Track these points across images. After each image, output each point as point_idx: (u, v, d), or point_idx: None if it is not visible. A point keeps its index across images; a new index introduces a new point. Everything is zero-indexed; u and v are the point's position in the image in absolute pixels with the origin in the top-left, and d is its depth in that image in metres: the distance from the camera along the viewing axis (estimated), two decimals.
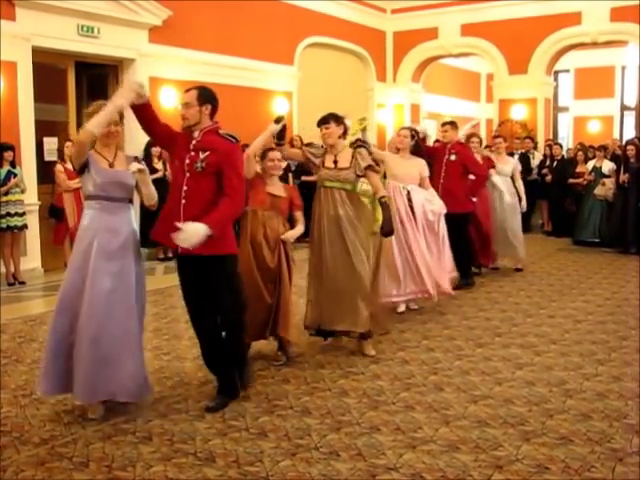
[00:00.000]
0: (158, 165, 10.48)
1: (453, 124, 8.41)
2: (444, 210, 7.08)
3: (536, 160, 13.99)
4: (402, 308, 7.08)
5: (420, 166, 7.04)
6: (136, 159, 4.64)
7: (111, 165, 4.51)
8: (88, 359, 4.24)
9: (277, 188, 5.46)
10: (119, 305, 4.33)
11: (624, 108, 21.51)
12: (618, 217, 11.35)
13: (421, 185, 7.02)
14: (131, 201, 4.62)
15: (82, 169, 4.42)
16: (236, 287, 4.57)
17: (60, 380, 4.37)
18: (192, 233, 4.20)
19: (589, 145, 13.68)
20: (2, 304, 7.65)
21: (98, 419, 4.32)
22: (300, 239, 5.63)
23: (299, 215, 5.50)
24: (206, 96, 4.53)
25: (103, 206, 4.43)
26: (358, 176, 5.60)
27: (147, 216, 10.54)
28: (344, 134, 5.72)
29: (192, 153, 4.45)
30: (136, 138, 10.89)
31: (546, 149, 14.16)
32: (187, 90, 4.66)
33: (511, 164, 9.63)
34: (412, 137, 7.08)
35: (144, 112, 4.53)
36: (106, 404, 4.43)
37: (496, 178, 9.01)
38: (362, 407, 4.54)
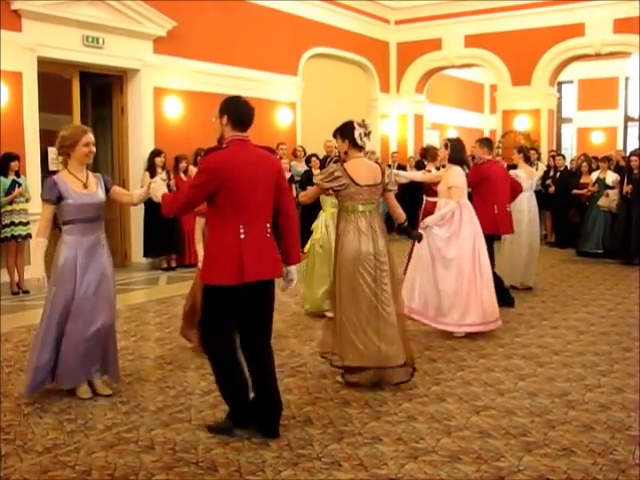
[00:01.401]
0: (162, 175, 10.50)
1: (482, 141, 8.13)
2: None
3: (539, 171, 13.96)
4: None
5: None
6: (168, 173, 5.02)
7: (85, 186, 4.80)
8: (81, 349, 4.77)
9: None
10: (103, 302, 4.83)
11: (628, 119, 21.52)
12: (622, 228, 11.34)
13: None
14: (102, 218, 4.99)
15: (57, 200, 4.71)
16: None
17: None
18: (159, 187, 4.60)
19: (593, 156, 13.68)
20: (6, 313, 7.67)
21: (101, 428, 4.34)
22: None
23: None
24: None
25: (82, 228, 4.75)
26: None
27: (151, 227, 10.71)
28: (352, 144, 5.24)
29: None
30: (138, 148, 11.00)
31: (549, 160, 14.16)
32: None
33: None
34: (446, 147, 6.87)
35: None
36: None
37: None
38: (364, 417, 4.54)
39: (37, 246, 4.73)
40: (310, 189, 5.44)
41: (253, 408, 4.26)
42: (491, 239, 7.49)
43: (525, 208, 9.06)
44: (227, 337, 4.23)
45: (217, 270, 4.09)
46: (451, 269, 6.52)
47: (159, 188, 4.59)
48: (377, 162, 5.86)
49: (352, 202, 5.12)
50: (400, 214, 5.60)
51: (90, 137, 4.79)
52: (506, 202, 8.04)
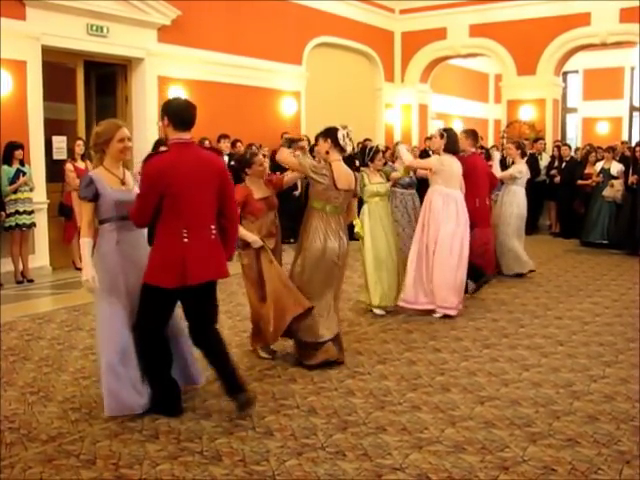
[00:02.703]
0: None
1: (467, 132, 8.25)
2: None
3: (544, 161, 13.94)
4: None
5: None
6: None
7: (122, 182, 4.53)
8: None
9: (263, 189, 5.63)
10: None
11: (633, 109, 21.44)
12: (626, 219, 11.30)
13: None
14: None
15: (95, 198, 4.44)
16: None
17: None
18: None
19: (597, 146, 13.63)
20: (11, 302, 7.69)
21: (106, 417, 4.34)
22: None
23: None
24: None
25: (120, 226, 4.46)
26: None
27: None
28: (334, 145, 5.41)
29: None
30: (142, 137, 10.97)
31: (554, 150, 14.12)
32: None
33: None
34: (441, 136, 7.03)
35: None
36: None
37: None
38: (368, 407, 4.54)
39: (84, 246, 4.41)
40: (294, 161, 5.45)
41: (224, 387, 4.42)
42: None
43: (521, 203, 9.27)
44: (161, 332, 4.44)
45: (161, 272, 4.22)
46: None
47: None
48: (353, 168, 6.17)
49: (324, 202, 5.37)
50: (351, 218, 6.04)
51: (125, 132, 4.51)
52: (486, 195, 8.22)
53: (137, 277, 4.41)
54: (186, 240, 4.17)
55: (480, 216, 7.86)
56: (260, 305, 5.50)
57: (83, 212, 4.51)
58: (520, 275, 9.10)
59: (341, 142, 5.36)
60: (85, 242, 4.41)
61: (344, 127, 5.44)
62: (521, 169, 9.30)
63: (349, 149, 5.52)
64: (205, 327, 4.43)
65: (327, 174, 5.30)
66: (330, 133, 5.42)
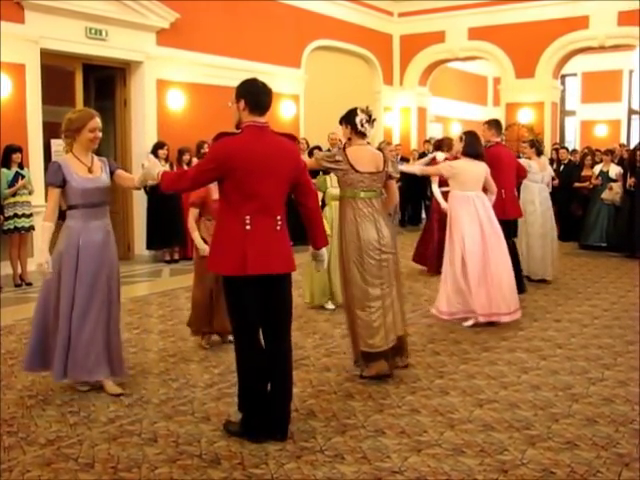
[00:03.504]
0: (165, 167, 10.47)
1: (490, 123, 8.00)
2: None
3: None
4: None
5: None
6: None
7: (90, 170, 4.72)
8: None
9: None
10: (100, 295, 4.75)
11: (631, 112, 21.47)
12: (625, 221, 11.32)
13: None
14: (108, 203, 4.93)
15: (62, 184, 4.64)
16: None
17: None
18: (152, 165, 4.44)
19: (596, 149, 13.64)
20: (9, 305, 7.68)
21: (104, 420, 4.34)
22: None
23: None
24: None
25: (86, 213, 4.66)
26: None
27: (154, 220, 10.70)
28: (354, 131, 5.20)
29: None
30: (141, 140, 10.98)
31: (553, 153, 14.12)
32: None
33: None
34: (460, 140, 6.89)
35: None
36: None
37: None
38: (367, 410, 4.53)
39: (43, 230, 4.62)
40: (310, 161, 5.42)
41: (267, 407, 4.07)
42: (506, 227, 7.34)
43: (537, 200, 9.06)
44: (251, 329, 4.06)
45: (221, 259, 4.00)
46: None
47: (153, 167, 4.39)
48: (379, 149, 5.87)
49: (352, 188, 5.12)
50: (392, 205, 5.67)
51: (97, 122, 4.70)
52: (513, 187, 8.04)
53: (95, 263, 4.66)
54: (248, 228, 3.90)
55: (510, 207, 7.76)
56: (202, 296, 5.85)
57: (49, 197, 4.70)
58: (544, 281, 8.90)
59: (360, 128, 5.14)
60: (45, 226, 4.63)
61: (365, 109, 5.19)
62: (530, 164, 9.09)
63: (371, 132, 5.29)
64: (273, 332, 4.12)
65: (342, 159, 5.10)
66: (349, 119, 5.19)
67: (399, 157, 14.58)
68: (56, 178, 4.63)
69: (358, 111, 5.16)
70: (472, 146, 6.78)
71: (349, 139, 5.25)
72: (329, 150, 11.92)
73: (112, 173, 4.86)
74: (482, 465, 3.72)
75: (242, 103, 4.05)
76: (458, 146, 6.96)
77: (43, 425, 4.30)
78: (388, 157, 5.33)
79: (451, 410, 4.53)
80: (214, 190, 5.33)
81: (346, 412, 4.50)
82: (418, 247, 9.90)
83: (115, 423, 4.30)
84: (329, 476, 3.61)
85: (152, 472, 3.66)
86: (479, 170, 6.78)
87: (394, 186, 5.47)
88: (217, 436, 4.11)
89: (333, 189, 6.93)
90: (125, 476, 3.62)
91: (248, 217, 3.92)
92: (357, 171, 5.08)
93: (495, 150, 7.63)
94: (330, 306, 7.40)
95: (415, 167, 7.73)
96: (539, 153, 9.47)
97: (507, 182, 7.74)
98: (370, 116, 5.20)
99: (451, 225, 6.74)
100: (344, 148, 5.25)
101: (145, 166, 4.45)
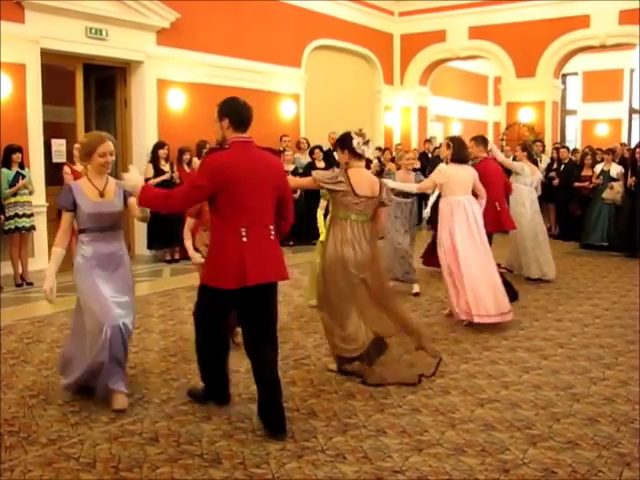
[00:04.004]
0: (165, 167, 10.49)
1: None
2: None
3: (543, 163, 13.94)
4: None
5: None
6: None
7: (101, 194, 4.62)
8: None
9: None
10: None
11: (632, 111, 21.44)
12: (626, 221, 11.31)
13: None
14: (120, 227, 4.85)
15: (73, 207, 4.58)
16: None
17: None
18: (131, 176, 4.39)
19: (597, 148, 13.63)
20: (10, 305, 7.68)
21: (105, 420, 4.34)
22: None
23: None
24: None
25: (95, 237, 4.60)
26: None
27: (154, 220, 10.66)
28: (352, 154, 5.24)
29: None
30: (141, 140, 10.98)
31: (553, 152, 14.12)
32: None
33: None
34: (448, 147, 6.95)
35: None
36: None
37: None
38: (368, 410, 4.54)
39: (53, 256, 4.55)
40: (304, 179, 5.41)
41: (259, 407, 4.25)
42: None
43: (527, 202, 9.13)
44: (220, 333, 4.45)
45: (220, 273, 4.11)
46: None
47: (128, 180, 4.38)
48: (377, 174, 5.94)
49: (346, 210, 5.21)
50: (381, 230, 5.87)
51: (107, 146, 4.57)
52: (504, 199, 8.12)
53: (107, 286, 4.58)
54: (245, 240, 4.05)
55: (505, 219, 7.86)
56: None
57: (61, 221, 4.66)
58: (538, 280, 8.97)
59: (358, 150, 5.19)
60: (55, 252, 4.57)
61: (359, 132, 5.24)
62: (523, 166, 9.21)
63: (369, 153, 5.37)
64: (262, 338, 4.25)
65: (344, 180, 5.15)
66: (345, 143, 5.24)
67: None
68: (67, 201, 4.57)
69: (353, 134, 5.23)
70: (459, 152, 6.88)
71: (346, 163, 5.29)
72: (329, 151, 11.99)
73: (125, 200, 4.76)
74: (483, 465, 3.72)
75: (226, 122, 4.20)
76: (446, 152, 6.99)
77: (44, 425, 4.30)
78: (383, 184, 5.44)
79: (452, 410, 4.53)
80: None
81: (347, 412, 4.50)
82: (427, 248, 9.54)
83: (116, 423, 4.31)
84: (330, 476, 3.61)
85: (153, 472, 3.66)
86: (467, 174, 6.88)
87: (384, 213, 5.61)
88: (218, 436, 4.12)
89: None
90: (126, 476, 3.62)
91: (244, 229, 4.06)
92: (356, 194, 5.16)
93: (483, 165, 7.67)
94: None
95: (412, 185, 7.65)
96: (530, 156, 9.52)
97: (499, 195, 7.83)
98: (364, 137, 5.26)
99: (444, 230, 6.78)
100: (345, 170, 5.26)
101: (124, 177, 4.44)
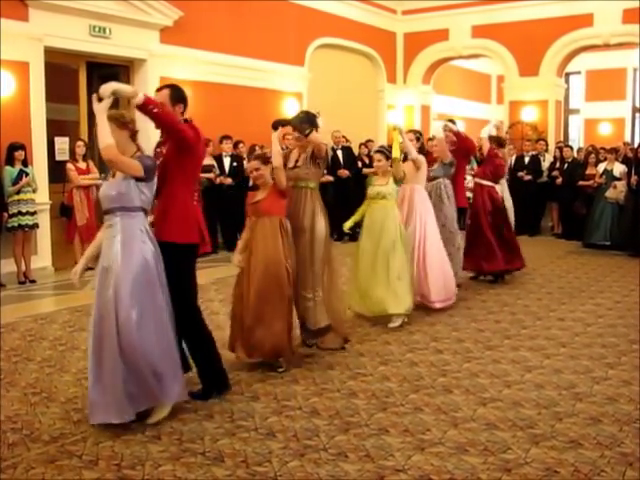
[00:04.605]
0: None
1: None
2: None
3: (546, 162, 13.94)
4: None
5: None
6: None
7: (114, 174, 4.38)
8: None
9: (258, 194, 5.45)
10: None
11: (636, 110, 21.40)
12: (629, 220, 11.28)
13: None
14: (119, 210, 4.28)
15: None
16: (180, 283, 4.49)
17: None
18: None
19: (600, 147, 13.61)
20: (13, 302, 7.69)
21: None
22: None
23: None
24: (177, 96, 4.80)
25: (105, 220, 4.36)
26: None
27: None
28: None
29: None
30: (145, 138, 10.93)
31: (556, 151, 14.11)
32: (159, 89, 5.00)
33: None
34: (417, 139, 7.57)
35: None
36: None
37: None
38: (371, 408, 4.54)
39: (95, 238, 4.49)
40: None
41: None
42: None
43: (506, 193, 9.73)
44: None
45: (188, 229, 4.52)
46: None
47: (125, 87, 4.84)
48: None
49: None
50: None
51: None
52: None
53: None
54: (195, 203, 4.62)
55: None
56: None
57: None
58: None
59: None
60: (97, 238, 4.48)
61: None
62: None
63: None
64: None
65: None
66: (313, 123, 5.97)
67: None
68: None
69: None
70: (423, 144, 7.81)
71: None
72: (332, 149, 12.00)
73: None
74: (485, 464, 3.72)
75: (181, 107, 4.82)
76: (416, 145, 7.46)
77: (47, 422, 4.31)
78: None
79: (454, 409, 4.52)
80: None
81: (349, 410, 4.50)
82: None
83: None
84: (332, 474, 3.61)
85: (156, 469, 3.67)
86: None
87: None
88: (220, 434, 4.12)
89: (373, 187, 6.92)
90: (129, 473, 3.63)
91: (196, 194, 4.69)
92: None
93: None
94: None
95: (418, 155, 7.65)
96: (500, 146, 9.52)
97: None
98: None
99: (426, 217, 7.22)
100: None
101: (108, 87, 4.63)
